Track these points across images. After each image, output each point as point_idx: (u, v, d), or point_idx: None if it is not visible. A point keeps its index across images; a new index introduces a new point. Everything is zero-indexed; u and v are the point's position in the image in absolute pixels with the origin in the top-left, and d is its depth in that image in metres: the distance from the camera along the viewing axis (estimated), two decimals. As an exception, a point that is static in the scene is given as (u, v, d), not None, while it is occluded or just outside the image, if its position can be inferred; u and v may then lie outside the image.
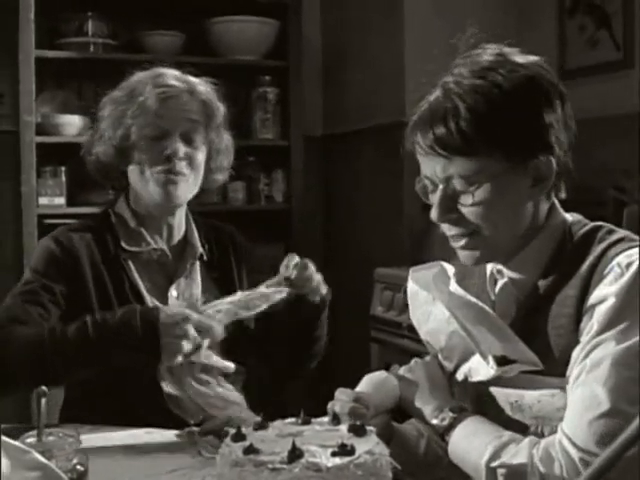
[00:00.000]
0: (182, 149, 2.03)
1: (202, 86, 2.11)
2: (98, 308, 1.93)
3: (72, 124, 3.85)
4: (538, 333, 1.46)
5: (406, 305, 3.55)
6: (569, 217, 1.54)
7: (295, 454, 1.20)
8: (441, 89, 1.47)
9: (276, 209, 4.31)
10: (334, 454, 1.21)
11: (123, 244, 2.06)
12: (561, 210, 1.54)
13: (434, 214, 1.49)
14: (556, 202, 1.54)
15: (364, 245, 4.31)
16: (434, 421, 1.54)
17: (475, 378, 1.53)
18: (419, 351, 3.24)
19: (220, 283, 2.12)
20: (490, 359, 1.46)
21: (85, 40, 3.97)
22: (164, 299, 2.04)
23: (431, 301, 1.62)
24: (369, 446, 1.25)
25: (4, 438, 1.28)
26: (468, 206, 1.45)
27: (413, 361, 1.68)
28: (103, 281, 2.00)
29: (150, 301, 2.01)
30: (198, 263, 2.14)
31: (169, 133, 2.03)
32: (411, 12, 3.97)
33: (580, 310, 1.41)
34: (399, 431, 1.66)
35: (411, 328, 3.33)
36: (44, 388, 1.36)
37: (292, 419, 1.42)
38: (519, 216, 1.48)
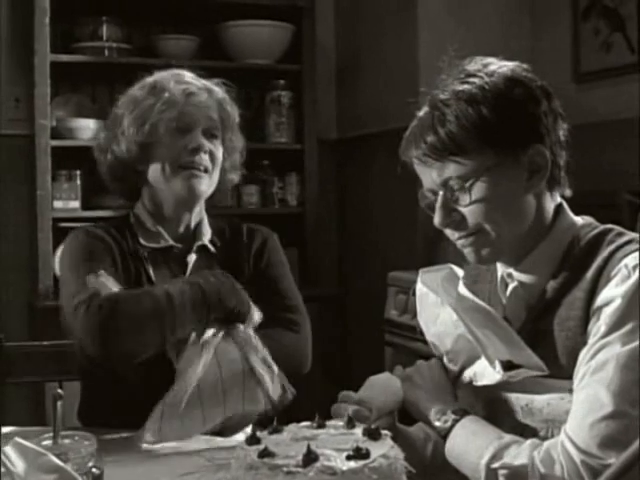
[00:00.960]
0: (206, 143, 2.07)
1: (216, 87, 2.15)
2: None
3: (87, 128, 3.86)
4: (547, 335, 1.46)
5: (420, 309, 3.54)
6: (579, 220, 1.54)
7: (310, 458, 1.20)
8: (428, 103, 1.52)
9: (290, 213, 4.31)
10: (349, 458, 1.21)
11: (141, 240, 2.09)
12: (570, 212, 1.55)
13: (436, 220, 1.51)
14: (564, 204, 1.55)
15: (378, 248, 4.31)
16: (437, 423, 1.53)
17: (480, 382, 1.53)
18: (433, 355, 3.24)
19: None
20: (497, 364, 1.46)
21: (100, 44, 3.99)
22: None
23: (439, 304, 1.61)
24: (384, 450, 1.25)
25: (20, 440, 1.28)
26: (467, 205, 1.47)
27: (417, 363, 1.67)
28: (129, 270, 2.04)
29: None
30: (214, 258, 2.14)
31: (192, 128, 2.07)
32: (425, 15, 3.97)
33: (588, 312, 1.41)
34: (404, 433, 1.66)
35: (425, 332, 3.35)
36: (60, 391, 1.36)
37: (307, 423, 1.42)
38: (520, 211, 1.49)
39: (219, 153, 2.11)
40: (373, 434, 1.31)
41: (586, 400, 1.35)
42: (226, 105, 2.14)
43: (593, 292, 1.41)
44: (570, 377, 1.41)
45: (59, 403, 1.36)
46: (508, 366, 1.45)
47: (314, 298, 3.97)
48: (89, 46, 3.99)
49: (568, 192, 1.55)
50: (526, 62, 1.55)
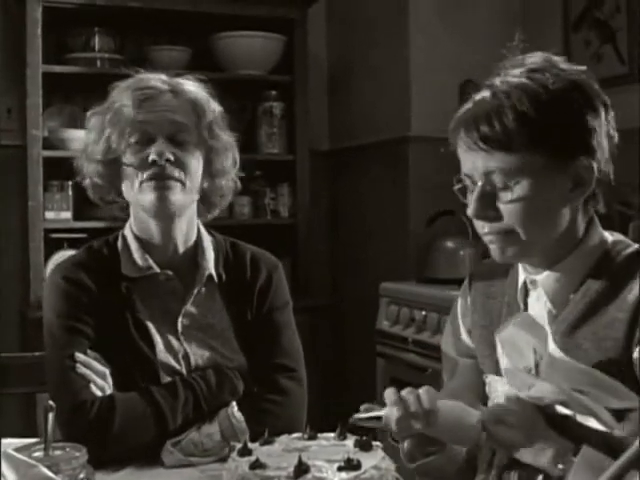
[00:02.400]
0: (169, 152, 1.87)
1: (189, 85, 1.97)
2: (106, 335, 1.89)
3: (79, 139, 3.84)
4: (578, 349, 1.44)
5: (412, 319, 3.55)
6: (609, 236, 1.53)
7: (301, 469, 1.21)
8: (487, 89, 1.47)
9: (282, 223, 4.31)
10: (340, 469, 1.22)
11: (123, 270, 1.94)
12: (601, 228, 1.54)
13: (471, 210, 1.48)
14: (596, 219, 1.54)
15: (370, 259, 4.31)
16: (560, 466, 1.37)
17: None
18: (425, 366, 3.24)
19: (234, 315, 1.98)
20: (615, 426, 1.38)
21: (92, 55, 3.99)
22: (174, 323, 1.94)
23: (532, 375, 1.47)
24: (375, 461, 1.26)
25: (11, 452, 1.28)
26: (506, 203, 1.44)
27: (505, 399, 1.47)
28: (112, 310, 1.91)
29: (154, 328, 1.92)
30: (216, 288, 1.98)
31: (154, 137, 1.88)
32: (417, 27, 3.98)
33: (631, 336, 1.40)
34: (449, 447, 1.54)
35: (416, 342, 3.36)
36: (51, 402, 1.36)
37: (298, 434, 1.42)
38: (555, 219, 1.47)
39: (191, 160, 1.90)
40: (364, 445, 1.31)
41: None
42: (200, 104, 1.94)
43: (636, 317, 1.40)
44: None
45: (50, 414, 1.36)
46: (619, 414, 1.38)
47: (306, 308, 3.97)
48: (81, 57, 3.99)
49: (602, 209, 1.53)
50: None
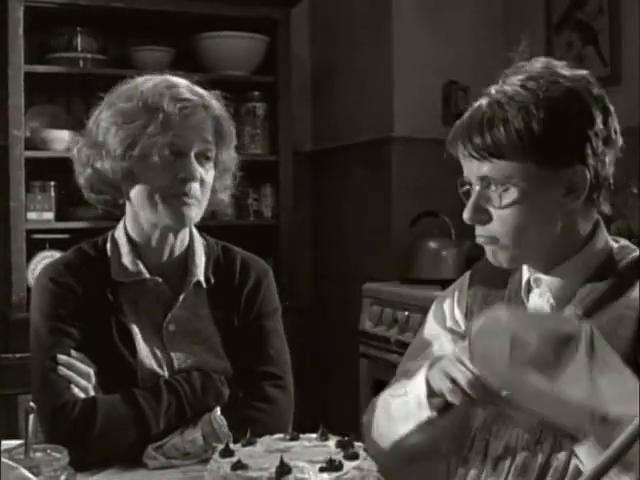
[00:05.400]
0: (198, 170, 1.86)
1: (214, 100, 1.96)
2: (89, 338, 1.88)
3: (61, 139, 3.84)
4: None
5: (395, 320, 3.55)
6: (612, 241, 1.56)
7: (283, 470, 1.21)
8: (485, 97, 1.49)
9: (265, 224, 4.31)
10: (322, 470, 1.22)
11: (112, 274, 1.92)
12: (606, 232, 1.56)
13: (465, 214, 1.50)
14: (602, 223, 1.55)
15: (352, 260, 4.32)
16: None
17: None
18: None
19: (220, 320, 1.97)
20: None
21: (74, 55, 3.98)
22: (160, 329, 1.92)
23: None
24: (357, 462, 1.26)
25: (-9, 454, 1.28)
26: (497, 208, 1.47)
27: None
28: (99, 313, 1.90)
29: (139, 334, 1.91)
30: (204, 293, 1.97)
31: (185, 153, 1.86)
32: (400, 28, 3.99)
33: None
34: None
35: (399, 343, 3.36)
36: (32, 404, 1.36)
37: (280, 435, 1.42)
38: (546, 225, 1.48)
39: (210, 178, 1.91)
40: (346, 446, 1.31)
41: None
42: (223, 122, 1.95)
43: None
44: None
45: (31, 416, 1.36)
46: None
47: (289, 309, 3.96)
48: (64, 57, 3.97)
49: (607, 211, 1.55)
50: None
